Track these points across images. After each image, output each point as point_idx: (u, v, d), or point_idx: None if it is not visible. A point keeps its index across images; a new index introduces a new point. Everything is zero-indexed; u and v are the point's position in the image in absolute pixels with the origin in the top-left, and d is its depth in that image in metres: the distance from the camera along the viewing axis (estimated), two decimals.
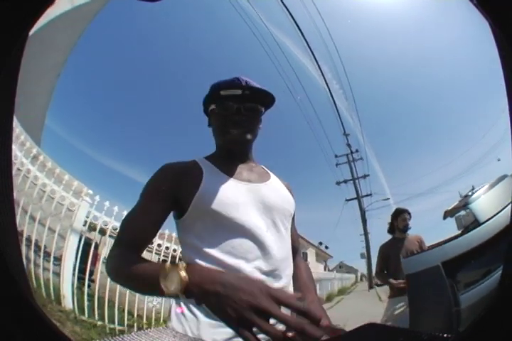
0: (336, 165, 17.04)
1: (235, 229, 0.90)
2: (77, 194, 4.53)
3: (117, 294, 4.34)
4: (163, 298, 4.81)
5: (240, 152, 1.07)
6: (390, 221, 3.44)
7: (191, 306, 0.84)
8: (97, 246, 4.68)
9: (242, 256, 0.88)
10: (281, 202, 1.03)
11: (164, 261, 0.85)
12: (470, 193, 2.85)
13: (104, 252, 4.94)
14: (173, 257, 5.10)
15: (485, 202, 2.35)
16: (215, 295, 0.64)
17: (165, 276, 0.69)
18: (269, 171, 1.14)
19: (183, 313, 0.84)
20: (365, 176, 16.88)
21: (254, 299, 0.60)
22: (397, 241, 3.31)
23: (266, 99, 1.06)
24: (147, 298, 4.77)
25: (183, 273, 0.68)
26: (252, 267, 0.87)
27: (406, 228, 3.30)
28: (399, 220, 3.33)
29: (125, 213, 4.66)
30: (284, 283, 0.93)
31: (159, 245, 5.16)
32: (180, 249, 5.21)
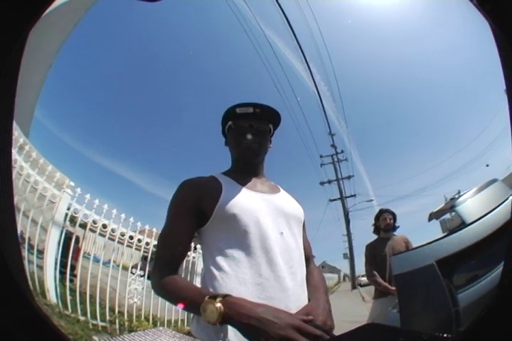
0: (321, 165, 17.10)
1: (255, 232, 1.02)
2: (59, 186, 4.48)
3: (98, 290, 4.32)
4: (144, 295, 4.88)
5: (252, 164, 1.23)
6: (373, 222, 3.50)
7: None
8: (77, 240, 4.62)
9: (262, 255, 1.00)
10: (292, 209, 1.18)
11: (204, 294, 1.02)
12: (456, 196, 2.86)
13: (85, 246, 4.89)
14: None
15: (472, 206, 2.33)
16: (249, 328, 0.81)
17: (204, 308, 0.85)
18: (279, 186, 1.28)
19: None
20: (349, 177, 16.96)
21: (284, 332, 0.79)
22: (382, 240, 3.35)
23: (273, 117, 1.24)
24: (128, 295, 4.78)
25: (219, 307, 0.83)
26: (271, 269, 0.99)
27: (388, 227, 3.35)
28: (381, 220, 3.39)
29: (106, 207, 4.73)
30: (299, 278, 1.05)
31: (139, 240, 5.16)
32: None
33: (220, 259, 1.00)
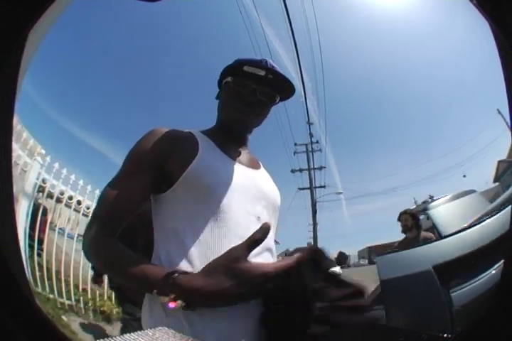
0: (294, 153, 17.12)
1: (230, 213, 0.86)
2: (31, 153, 4.43)
3: (62, 266, 4.36)
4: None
5: (239, 132, 1.07)
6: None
7: None
8: (45, 212, 4.61)
9: (234, 242, 0.79)
10: (272, 192, 1.03)
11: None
12: (429, 200, 2.96)
13: (52, 219, 4.83)
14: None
15: (445, 211, 2.35)
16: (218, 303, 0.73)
17: (161, 297, 0.70)
18: (259, 162, 1.13)
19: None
20: (321, 168, 17.03)
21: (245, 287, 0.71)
22: (408, 240, 3.48)
23: (285, 89, 1.04)
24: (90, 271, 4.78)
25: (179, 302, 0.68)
26: None
27: (404, 229, 3.49)
28: (400, 222, 3.54)
29: (73, 177, 4.75)
30: None
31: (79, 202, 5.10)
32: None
33: (182, 237, 0.84)
